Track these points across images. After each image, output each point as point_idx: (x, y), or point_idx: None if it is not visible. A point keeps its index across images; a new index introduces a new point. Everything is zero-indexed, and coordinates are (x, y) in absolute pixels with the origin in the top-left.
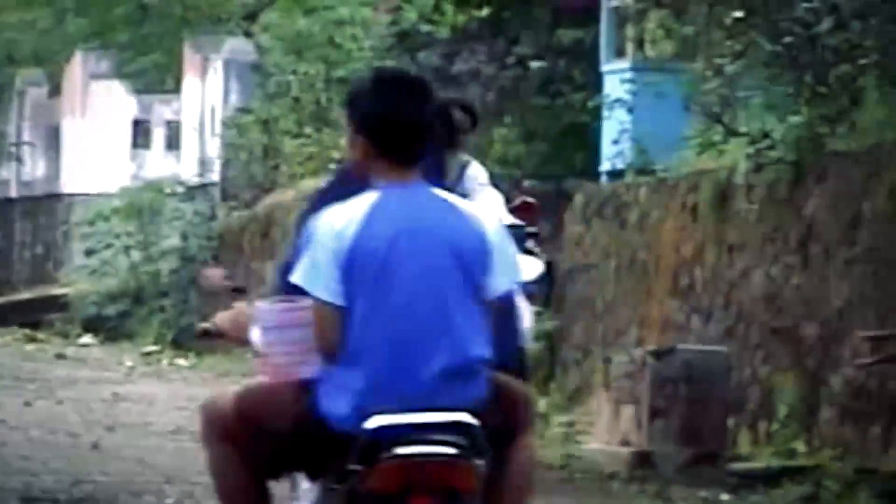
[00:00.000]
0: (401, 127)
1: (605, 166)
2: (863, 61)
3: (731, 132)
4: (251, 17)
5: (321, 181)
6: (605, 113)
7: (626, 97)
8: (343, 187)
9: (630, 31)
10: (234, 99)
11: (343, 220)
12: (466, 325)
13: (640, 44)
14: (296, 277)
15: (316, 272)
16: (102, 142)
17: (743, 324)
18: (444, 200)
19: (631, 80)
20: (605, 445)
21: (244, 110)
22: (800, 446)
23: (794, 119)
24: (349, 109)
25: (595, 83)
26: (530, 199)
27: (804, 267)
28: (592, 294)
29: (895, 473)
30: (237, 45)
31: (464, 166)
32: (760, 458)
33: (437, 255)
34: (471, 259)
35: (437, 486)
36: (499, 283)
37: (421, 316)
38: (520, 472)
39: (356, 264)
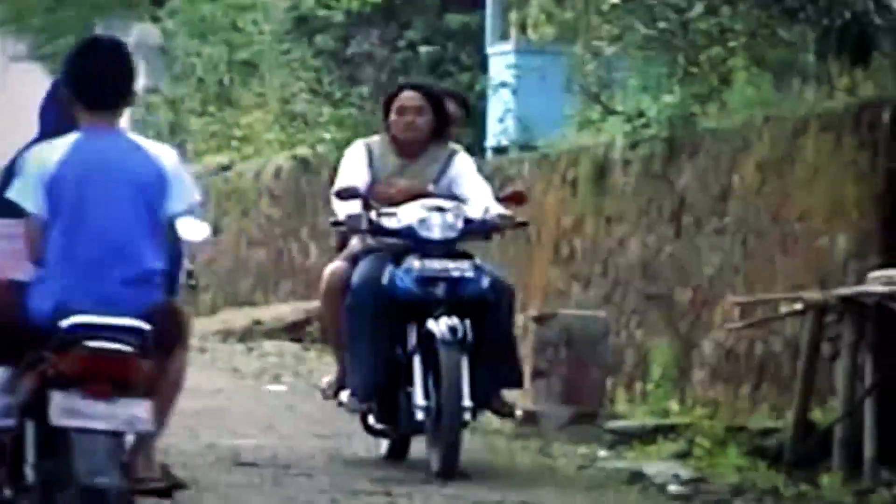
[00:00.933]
0: (94, 80)
1: (490, 142)
2: (732, 44)
3: (609, 111)
4: (159, 2)
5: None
6: (491, 93)
7: (510, 78)
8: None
9: (514, 15)
10: (142, 80)
11: (49, 153)
12: (144, 242)
13: (523, 28)
14: (10, 193)
15: (26, 190)
16: (21, 120)
17: (620, 290)
18: (131, 142)
19: (515, 63)
20: None
21: (152, 90)
22: (673, 405)
23: (668, 98)
24: (61, 69)
25: (481, 65)
26: (520, 189)
27: (677, 237)
28: None
29: (763, 430)
30: (145, 30)
31: (451, 155)
32: (636, 416)
33: (122, 184)
34: (150, 189)
35: (112, 376)
36: (174, 207)
37: (108, 234)
38: (175, 375)
39: (56, 188)
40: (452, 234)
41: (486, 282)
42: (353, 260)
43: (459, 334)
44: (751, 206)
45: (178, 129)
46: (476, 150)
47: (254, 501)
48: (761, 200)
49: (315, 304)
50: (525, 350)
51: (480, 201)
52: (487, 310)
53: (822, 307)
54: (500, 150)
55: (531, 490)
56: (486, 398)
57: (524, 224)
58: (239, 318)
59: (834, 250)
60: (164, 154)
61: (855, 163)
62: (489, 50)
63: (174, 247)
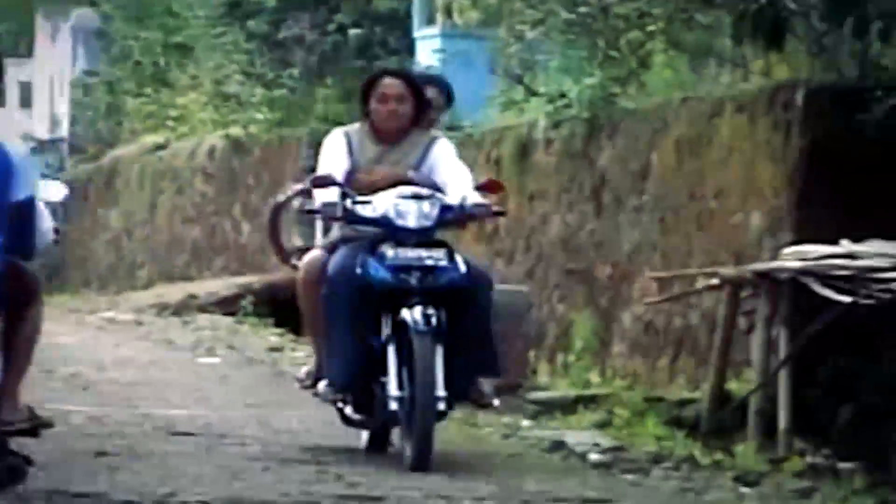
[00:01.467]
0: None
1: None
2: (650, 28)
3: (532, 92)
4: None
5: (156, 137)
6: None
7: (436, 62)
8: None
9: (440, 1)
10: (81, 62)
11: None
12: None
13: (448, 13)
14: None
15: None
16: None
17: (542, 265)
18: None
19: (441, 46)
20: None
21: (90, 73)
22: (594, 377)
23: (588, 80)
24: None
25: (408, 48)
26: (495, 179)
27: (597, 214)
28: None
29: (680, 401)
30: (84, 14)
31: (432, 142)
32: (558, 387)
33: None
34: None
35: None
36: (18, 193)
37: None
38: (30, 332)
39: None
40: (428, 223)
41: (461, 270)
42: (332, 249)
43: (433, 323)
44: (668, 185)
45: (115, 110)
46: None
47: (188, 469)
48: (678, 179)
49: (248, 278)
50: None
51: (458, 189)
52: (463, 299)
53: (738, 282)
54: None
55: (457, 456)
56: (464, 388)
57: (501, 213)
58: (174, 292)
59: (749, 227)
60: (13, 148)
61: (769, 142)
62: (416, 34)
63: (26, 224)
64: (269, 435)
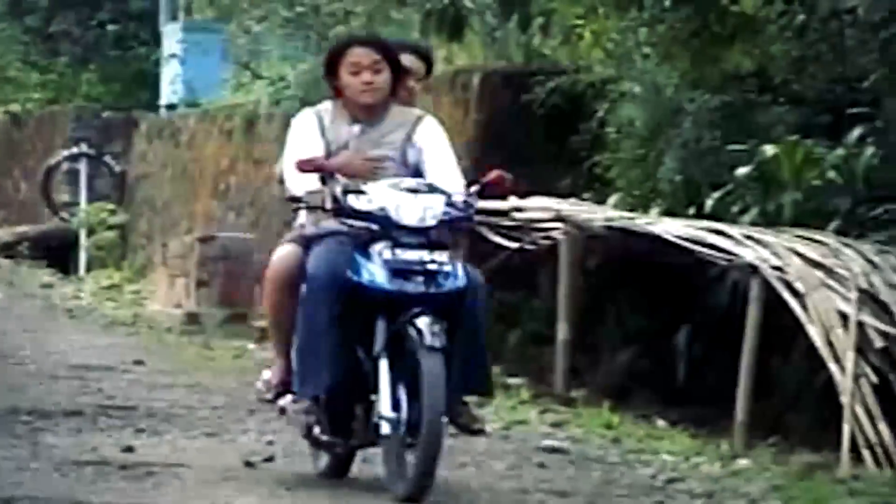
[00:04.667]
0: None
1: (163, 101)
2: (354, 24)
3: (257, 76)
4: None
5: None
6: (163, 63)
7: (179, 51)
8: None
9: (182, 0)
10: None
11: None
12: None
13: (188, 10)
14: None
15: None
16: None
17: (265, 217)
18: None
19: (182, 38)
20: (163, 307)
21: None
22: None
23: (303, 66)
24: None
25: (156, 40)
26: (504, 174)
27: None
28: (153, 195)
29: None
30: None
31: (417, 121)
32: None
33: None
34: None
35: None
36: None
37: None
38: None
39: None
40: (431, 222)
41: (462, 277)
42: (306, 244)
43: (443, 338)
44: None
45: None
46: (152, 107)
47: None
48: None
49: (25, 228)
50: (189, 266)
51: (447, 184)
52: (461, 309)
53: None
54: (171, 107)
55: (196, 374)
56: (455, 410)
57: (504, 213)
58: None
59: None
60: None
61: (451, 117)
62: (162, 28)
63: None
64: (43, 356)
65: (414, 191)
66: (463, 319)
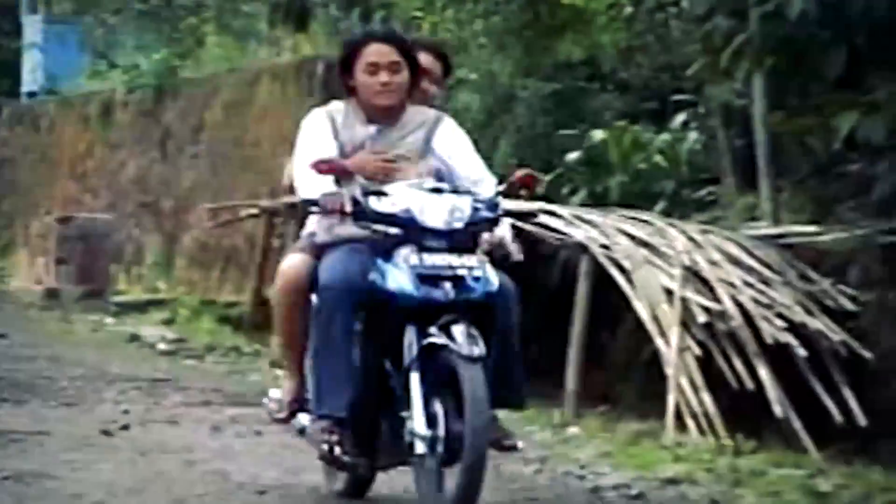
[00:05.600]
0: None
1: (24, 89)
2: (206, 16)
3: (113, 65)
4: None
5: None
6: (24, 52)
7: (39, 41)
8: None
9: None
10: None
11: None
12: None
13: (48, 2)
14: None
15: None
16: None
17: (122, 199)
18: None
19: (42, 29)
20: (25, 284)
21: None
22: (161, 285)
23: (156, 56)
24: None
25: (17, 31)
26: (532, 172)
27: (163, 159)
28: (15, 179)
29: (228, 303)
30: None
31: (437, 121)
32: (133, 293)
33: None
34: None
35: None
36: None
37: None
38: None
39: None
40: (458, 224)
41: (494, 281)
42: (318, 252)
43: (481, 346)
44: (218, 137)
45: None
46: (13, 95)
47: None
48: (226, 132)
49: None
50: (49, 245)
51: (479, 185)
52: (494, 316)
53: (273, 212)
54: (31, 95)
55: (56, 346)
56: None
57: (532, 214)
58: None
59: (280, 169)
60: None
61: (296, 103)
62: (23, 19)
63: None
64: None
65: (438, 191)
66: (495, 327)
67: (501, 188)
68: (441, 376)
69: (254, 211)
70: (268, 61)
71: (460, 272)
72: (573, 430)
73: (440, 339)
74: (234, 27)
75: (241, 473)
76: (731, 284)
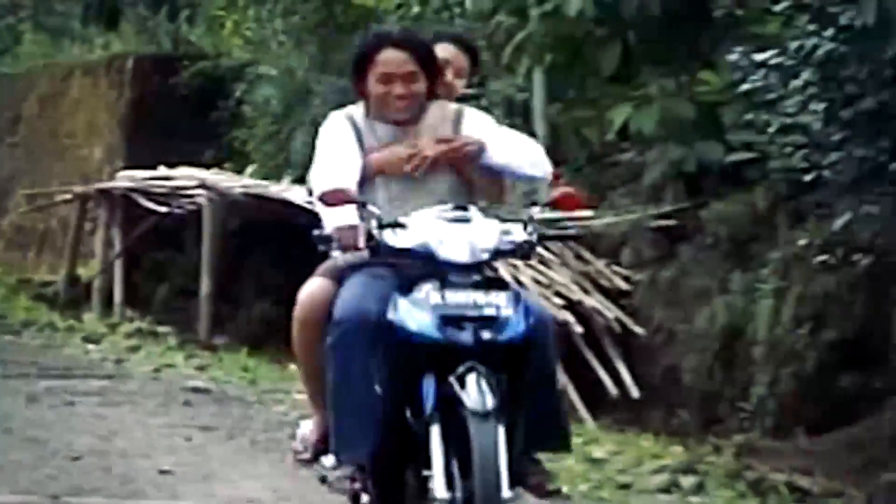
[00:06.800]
0: None
1: None
2: (21, 15)
3: None
4: None
5: None
6: None
7: None
8: None
9: None
10: None
11: None
12: None
13: None
14: None
15: None
16: None
17: None
18: None
19: None
20: None
21: None
22: None
23: None
24: None
25: None
26: (573, 190)
27: None
28: None
29: (43, 282)
30: None
31: (458, 116)
32: None
33: None
34: None
35: None
36: None
37: None
38: None
39: None
40: (484, 256)
41: (526, 319)
42: (339, 277)
43: (494, 400)
44: (35, 128)
45: None
46: None
47: None
48: (42, 124)
49: None
50: None
51: (527, 160)
52: (527, 354)
53: (85, 197)
54: None
55: None
56: (521, 472)
57: (577, 238)
58: None
59: (93, 158)
60: None
61: (107, 97)
62: None
63: None
64: None
65: (462, 220)
66: (530, 368)
67: (537, 210)
68: (460, 431)
69: (68, 196)
70: (81, 58)
71: (487, 311)
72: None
73: (455, 391)
74: (50, 25)
75: (57, 441)
76: (513, 265)
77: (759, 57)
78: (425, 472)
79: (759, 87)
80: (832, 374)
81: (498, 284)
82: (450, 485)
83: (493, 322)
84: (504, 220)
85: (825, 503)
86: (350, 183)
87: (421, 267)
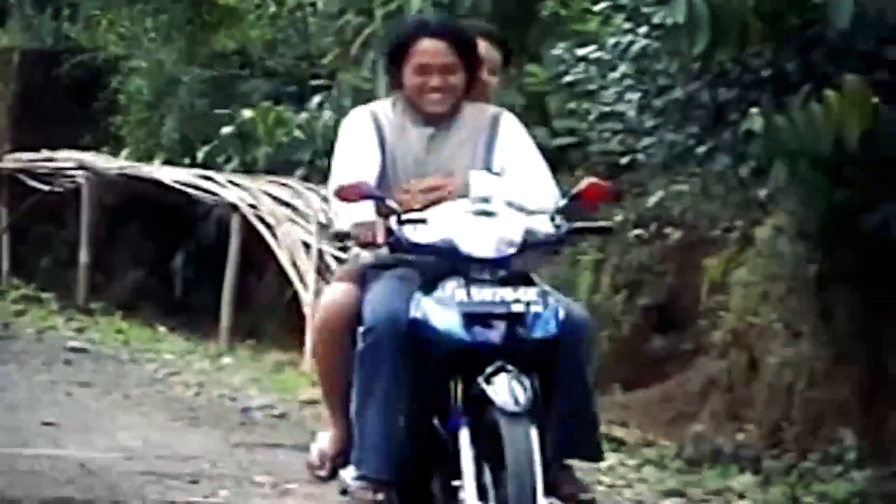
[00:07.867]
0: None
1: None
2: None
3: None
4: None
5: None
6: None
7: None
8: None
9: None
10: None
11: None
12: None
13: None
14: None
15: None
16: None
17: None
18: None
19: None
20: None
21: None
22: None
23: None
24: None
25: None
26: (599, 182)
27: None
28: None
29: None
30: None
31: (496, 120)
32: None
33: None
34: None
35: None
36: None
37: None
38: None
39: None
40: (510, 250)
41: (557, 317)
42: (362, 278)
43: (528, 399)
44: None
45: None
46: None
47: None
48: None
49: None
50: None
51: (542, 196)
52: (559, 355)
53: None
54: None
55: None
56: (554, 479)
57: (607, 230)
58: None
59: None
60: None
61: None
62: None
63: None
64: None
65: (486, 213)
66: (562, 368)
67: (563, 203)
68: (490, 435)
69: None
70: None
71: (515, 308)
72: (226, 360)
73: (484, 392)
74: None
75: None
76: None
77: (580, 52)
78: (454, 483)
79: (581, 78)
80: (645, 336)
81: (525, 280)
82: (482, 495)
83: (522, 319)
84: (530, 213)
85: (639, 452)
86: (368, 178)
87: (444, 264)
